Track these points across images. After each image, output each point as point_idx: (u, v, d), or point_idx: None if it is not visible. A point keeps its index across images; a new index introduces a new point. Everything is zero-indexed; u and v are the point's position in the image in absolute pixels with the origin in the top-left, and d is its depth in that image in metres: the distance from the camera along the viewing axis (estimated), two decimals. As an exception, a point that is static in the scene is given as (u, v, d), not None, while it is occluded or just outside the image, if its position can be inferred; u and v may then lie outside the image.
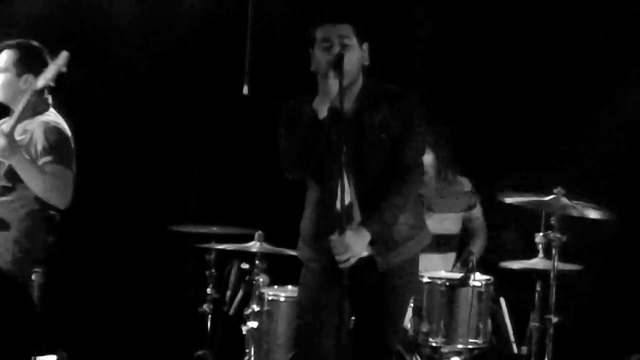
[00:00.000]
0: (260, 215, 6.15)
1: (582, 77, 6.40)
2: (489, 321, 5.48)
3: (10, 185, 4.92)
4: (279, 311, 5.56)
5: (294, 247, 4.66)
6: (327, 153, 4.32)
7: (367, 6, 5.57)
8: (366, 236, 4.30)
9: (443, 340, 5.36)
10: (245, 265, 5.81)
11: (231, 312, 5.92)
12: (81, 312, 6.58)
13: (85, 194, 6.69)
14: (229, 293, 5.93)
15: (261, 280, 5.73)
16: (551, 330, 5.36)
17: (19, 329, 4.50)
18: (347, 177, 4.32)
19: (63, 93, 5.11)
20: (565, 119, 6.45)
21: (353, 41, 4.35)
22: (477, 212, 6.07)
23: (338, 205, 4.27)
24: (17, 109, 4.88)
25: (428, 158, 5.75)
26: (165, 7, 6.79)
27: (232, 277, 5.93)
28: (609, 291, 6.33)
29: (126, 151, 6.77)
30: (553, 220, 5.41)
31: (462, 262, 5.75)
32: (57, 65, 4.90)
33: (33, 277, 5.02)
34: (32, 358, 4.72)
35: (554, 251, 5.36)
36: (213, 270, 5.86)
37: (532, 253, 5.59)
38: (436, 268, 5.69)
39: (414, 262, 4.54)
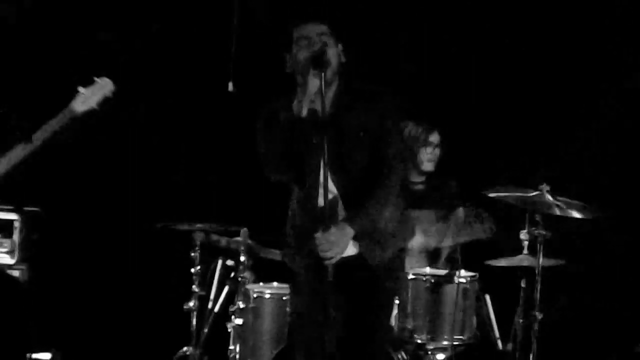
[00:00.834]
0: (246, 212, 6.16)
1: (567, 74, 6.41)
2: (474, 318, 5.49)
3: None
4: (264, 308, 5.58)
5: (279, 244, 4.68)
6: (307, 153, 4.35)
7: (344, 6, 5.58)
8: (350, 233, 4.33)
9: (428, 337, 5.37)
10: (230, 262, 5.81)
11: (216, 309, 5.92)
12: (67, 309, 6.57)
13: (72, 192, 6.72)
14: (214, 290, 5.93)
15: (246, 277, 5.73)
16: (536, 327, 5.36)
17: (13, 326, 4.49)
18: (329, 175, 4.35)
19: (50, 92, 5.10)
20: (551, 115, 6.46)
21: (331, 40, 4.39)
22: (460, 212, 6.05)
23: (321, 204, 4.31)
24: None
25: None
26: (151, 3, 6.78)
27: (217, 274, 5.93)
28: (593, 287, 6.35)
29: (112, 149, 6.76)
30: (538, 217, 5.41)
31: (448, 258, 5.77)
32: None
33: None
34: (27, 356, 4.72)
35: (538, 248, 5.37)
36: (198, 268, 5.84)
37: (517, 250, 5.60)
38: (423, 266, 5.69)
39: (400, 257, 4.61)
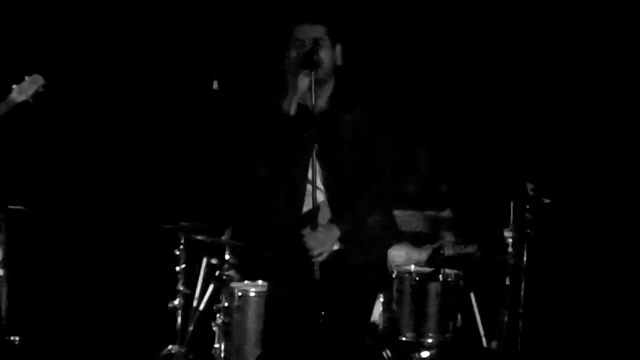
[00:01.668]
0: (231, 210, 6.15)
1: (548, 71, 6.43)
2: (459, 315, 5.50)
3: None
4: (249, 306, 5.56)
5: (264, 242, 4.68)
6: (297, 150, 4.36)
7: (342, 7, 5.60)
8: (337, 233, 4.36)
9: (413, 334, 5.37)
10: (215, 261, 5.80)
11: (201, 307, 5.92)
12: (52, 308, 6.56)
13: (55, 190, 6.70)
14: (199, 288, 5.92)
15: (231, 275, 5.73)
16: (521, 324, 5.38)
17: None
18: (319, 174, 4.37)
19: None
20: (534, 116, 6.48)
21: (326, 41, 4.43)
22: (447, 213, 6.06)
23: (310, 202, 4.33)
24: None
25: None
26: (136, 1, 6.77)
27: (202, 273, 5.92)
28: (579, 285, 6.36)
29: (96, 147, 6.74)
30: (526, 215, 5.43)
31: (432, 257, 5.77)
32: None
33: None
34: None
35: (524, 246, 5.39)
36: (183, 266, 5.83)
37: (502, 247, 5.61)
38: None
39: (384, 260, 4.62)
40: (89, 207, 6.73)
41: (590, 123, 6.39)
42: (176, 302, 5.83)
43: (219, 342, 5.66)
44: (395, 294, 5.38)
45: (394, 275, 5.38)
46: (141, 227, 5.90)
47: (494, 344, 5.62)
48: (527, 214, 5.41)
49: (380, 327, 5.44)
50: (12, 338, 5.88)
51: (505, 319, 5.50)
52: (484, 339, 5.72)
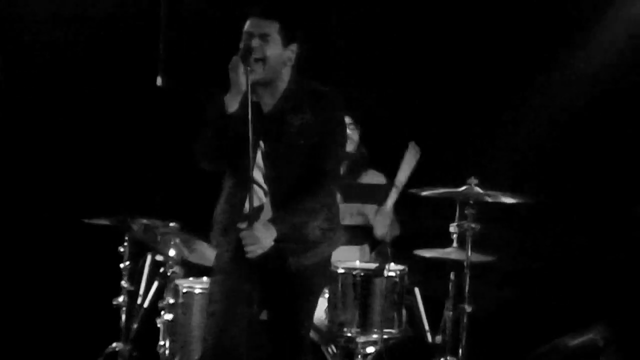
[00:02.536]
0: (176, 206, 6.12)
1: (491, 69, 6.48)
2: (404, 311, 5.51)
3: None
4: (194, 303, 5.55)
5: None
6: (241, 148, 4.30)
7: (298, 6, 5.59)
8: (274, 232, 4.30)
9: (358, 330, 5.37)
10: (159, 257, 5.77)
11: (146, 304, 5.88)
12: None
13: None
14: (143, 285, 5.88)
15: (176, 272, 5.70)
16: (465, 320, 5.40)
17: None
18: (262, 173, 4.35)
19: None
20: (478, 111, 6.52)
21: (275, 38, 4.33)
22: (389, 205, 6.06)
23: (251, 199, 4.30)
24: None
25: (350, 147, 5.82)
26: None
27: (147, 270, 5.88)
28: (522, 280, 6.42)
29: (38, 143, 6.68)
30: (467, 211, 5.45)
31: (378, 252, 5.78)
32: None
33: None
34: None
35: (467, 241, 5.41)
36: (127, 263, 5.79)
37: (447, 243, 5.63)
38: (353, 259, 5.70)
39: (326, 262, 4.61)
40: (31, 204, 6.67)
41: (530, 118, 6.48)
42: (120, 299, 5.79)
43: (164, 340, 5.64)
44: (339, 290, 5.37)
45: (338, 272, 5.37)
46: (83, 223, 5.84)
47: (438, 339, 5.63)
48: (470, 210, 5.43)
49: (325, 323, 5.43)
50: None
51: (450, 313, 5.52)
52: (428, 334, 5.74)
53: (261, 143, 4.37)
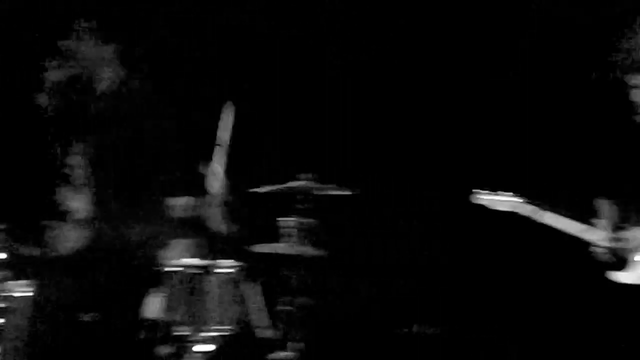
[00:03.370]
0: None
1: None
2: (239, 306, 5.49)
3: None
4: (21, 307, 5.41)
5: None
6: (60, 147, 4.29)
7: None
8: (85, 231, 4.27)
9: (193, 328, 5.33)
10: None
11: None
12: None
13: None
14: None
15: (6, 275, 5.56)
16: (299, 313, 5.43)
17: None
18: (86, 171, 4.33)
19: None
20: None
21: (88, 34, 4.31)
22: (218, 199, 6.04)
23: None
24: None
25: None
26: None
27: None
28: (355, 273, 6.49)
29: None
30: (299, 206, 5.49)
31: (210, 248, 5.75)
32: None
33: None
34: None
35: (300, 235, 5.44)
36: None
37: (279, 238, 5.65)
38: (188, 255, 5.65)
39: (153, 258, 4.58)
40: None
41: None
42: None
43: (-3, 345, 5.50)
44: (171, 289, 5.32)
45: (169, 270, 5.32)
46: None
47: (275, 333, 5.64)
48: (304, 204, 5.47)
49: (158, 322, 5.38)
50: None
51: (285, 307, 5.54)
52: (265, 329, 5.74)
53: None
